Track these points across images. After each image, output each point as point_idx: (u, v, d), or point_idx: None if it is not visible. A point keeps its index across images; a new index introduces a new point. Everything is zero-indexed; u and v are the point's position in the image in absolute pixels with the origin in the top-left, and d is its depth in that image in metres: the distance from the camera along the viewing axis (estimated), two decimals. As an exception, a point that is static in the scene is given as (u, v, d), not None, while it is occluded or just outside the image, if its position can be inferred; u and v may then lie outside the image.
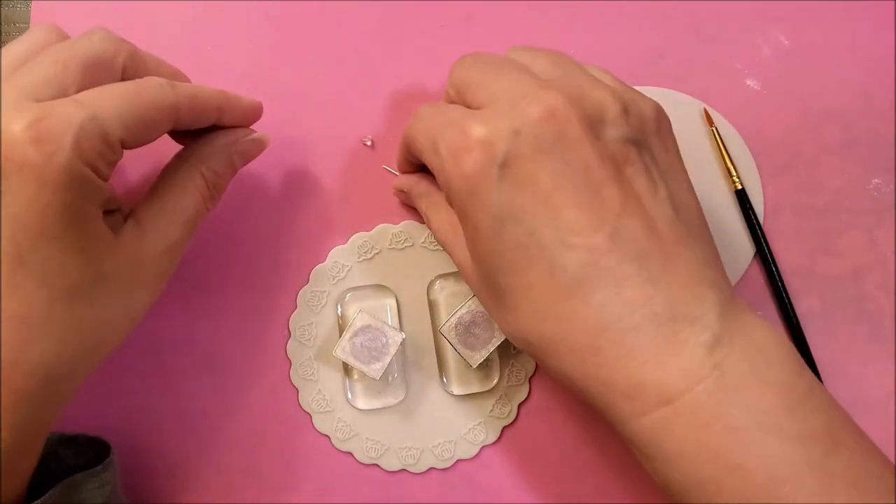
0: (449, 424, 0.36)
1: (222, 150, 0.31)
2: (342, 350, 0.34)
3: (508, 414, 0.36)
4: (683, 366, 0.24)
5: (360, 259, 0.36)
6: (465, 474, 0.36)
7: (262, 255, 0.36)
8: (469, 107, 0.28)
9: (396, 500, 0.36)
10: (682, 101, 0.37)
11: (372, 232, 0.36)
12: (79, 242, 0.25)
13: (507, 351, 0.36)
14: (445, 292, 0.36)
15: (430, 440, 0.36)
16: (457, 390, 0.36)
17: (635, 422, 0.25)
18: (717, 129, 0.37)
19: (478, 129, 0.25)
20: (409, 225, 0.36)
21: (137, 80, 0.27)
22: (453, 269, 0.36)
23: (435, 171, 0.28)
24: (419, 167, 0.33)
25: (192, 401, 0.36)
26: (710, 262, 0.27)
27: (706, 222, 0.28)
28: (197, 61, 0.38)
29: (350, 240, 0.36)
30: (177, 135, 0.31)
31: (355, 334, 0.34)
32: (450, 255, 0.31)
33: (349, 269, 0.36)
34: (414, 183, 0.34)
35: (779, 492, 0.23)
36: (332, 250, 0.36)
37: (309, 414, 0.36)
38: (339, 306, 0.36)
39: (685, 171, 0.28)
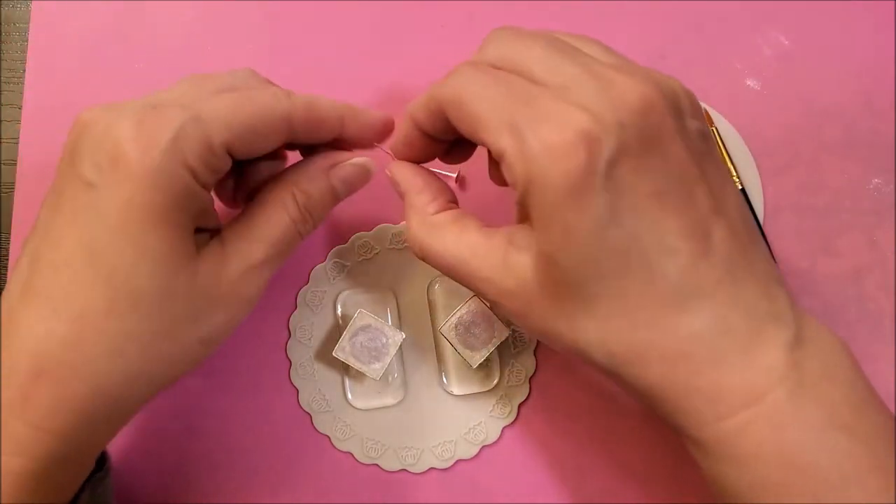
0: (449, 424, 0.36)
1: (319, 172, 0.29)
2: (342, 350, 0.34)
3: (508, 414, 0.36)
4: (769, 366, 0.23)
5: (360, 259, 0.36)
6: (465, 474, 0.36)
7: (262, 255, 0.36)
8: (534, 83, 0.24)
9: (396, 500, 0.36)
10: (682, 101, 0.37)
11: (372, 232, 0.36)
12: (154, 247, 0.24)
13: (507, 351, 0.36)
14: (445, 292, 0.36)
15: (430, 440, 0.36)
16: (457, 390, 0.36)
17: (714, 426, 0.24)
18: (717, 129, 0.37)
19: (579, 118, 0.22)
20: (409, 225, 0.36)
21: (251, 88, 0.27)
22: (453, 269, 0.36)
23: (503, 155, 0.24)
24: (431, 145, 0.29)
25: (192, 400, 0.36)
26: (770, 258, 0.26)
27: None
28: (197, 61, 0.38)
29: (350, 240, 0.36)
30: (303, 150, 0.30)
31: (355, 334, 0.34)
32: (464, 278, 0.27)
33: (349, 269, 0.36)
34: (413, 191, 0.29)
35: (848, 492, 0.23)
36: (333, 250, 0.36)
37: (309, 414, 0.36)
38: (339, 306, 0.36)
39: None
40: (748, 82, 0.38)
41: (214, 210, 0.28)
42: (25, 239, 0.26)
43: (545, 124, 0.22)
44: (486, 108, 0.24)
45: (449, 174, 0.36)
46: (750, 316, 0.24)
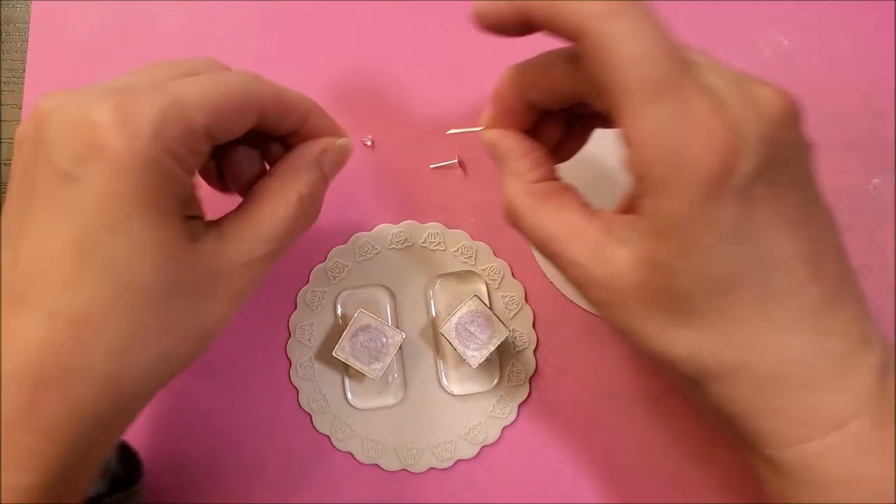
0: (449, 424, 0.36)
1: (313, 162, 0.29)
2: (342, 350, 0.34)
3: (508, 414, 0.36)
4: (859, 391, 0.23)
5: (360, 259, 0.36)
6: (465, 474, 0.36)
7: (262, 255, 0.36)
8: None
9: (396, 500, 0.36)
10: (682, 101, 0.37)
11: (372, 232, 0.36)
12: (149, 237, 0.23)
13: (508, 351, 0.36)
14: (445, 292, 0.36)
15: (430, 440, 0.36)
16: (457, 390, 0.36)
17: (797, 447, 0.24)
18: (717, 128, 0.37)
19: (729, 125, 0.21)
20: (408, 225, 0.36)
21: (223, 70, 0.27)
22: (453, 269, 0.36)
23: (638, 136, 0.22)
24: (532, 117, 0.27)
25: (192, 400, 0.36)
26: (858, 281, 0.25)
27: None
28: (197, 61, 0.38)
29: (350, 240, 0.36)
30: (261, 142, 0.30)
31: (355, 334, 0.34)
32: (553, 257, 0.25)
33: (349, 269, 0.36)
34: (515, 156, 0.27)
35: None
36: (332, 250, 0.36)
37: (309, 414, 0.36)
38: (339, 306, 0.36)
39: None
40: (748, 82, 0.38)
41: (197, 197, 0.28)
42: None
43: (696, 117, 0.21)
44: (637, 66, 0.21)
45: (451, 161, 0.36)
46: (846, 340, 0.23)
